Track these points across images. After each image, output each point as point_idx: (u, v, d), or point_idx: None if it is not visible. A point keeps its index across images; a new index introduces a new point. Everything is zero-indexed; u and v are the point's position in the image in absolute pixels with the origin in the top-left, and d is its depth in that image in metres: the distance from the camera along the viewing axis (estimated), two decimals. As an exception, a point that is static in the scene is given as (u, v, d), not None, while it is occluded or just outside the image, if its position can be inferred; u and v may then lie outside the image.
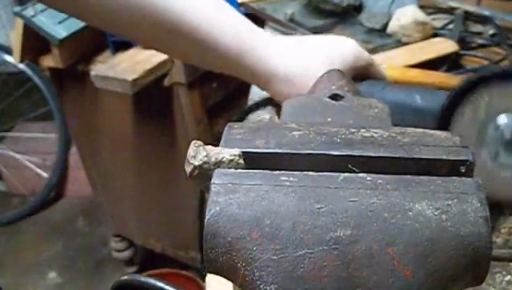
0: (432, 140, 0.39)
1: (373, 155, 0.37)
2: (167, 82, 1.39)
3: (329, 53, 0.62)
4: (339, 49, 0.63)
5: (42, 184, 2.50)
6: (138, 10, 0.59)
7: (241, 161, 0.38)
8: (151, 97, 1.45)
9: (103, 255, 2.23)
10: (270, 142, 0.38)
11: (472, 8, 1.14)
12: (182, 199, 1.67)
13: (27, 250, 2.34)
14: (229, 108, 1.59)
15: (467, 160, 0.37)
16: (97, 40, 1.47)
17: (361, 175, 0.36)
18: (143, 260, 2.10)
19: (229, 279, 0.36)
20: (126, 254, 2.02)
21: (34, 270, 2.23)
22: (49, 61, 1.47)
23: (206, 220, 0.34)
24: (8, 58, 2.37)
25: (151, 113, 1.55)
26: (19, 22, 1.39)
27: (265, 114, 0.89)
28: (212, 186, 0.36)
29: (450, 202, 0.34)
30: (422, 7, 1.10)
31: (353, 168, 0.37)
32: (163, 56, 1.36)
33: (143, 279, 0.49)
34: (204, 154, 0.38)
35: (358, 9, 1.16)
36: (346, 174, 0.36)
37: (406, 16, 1.02)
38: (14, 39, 1.46)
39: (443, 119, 0.57)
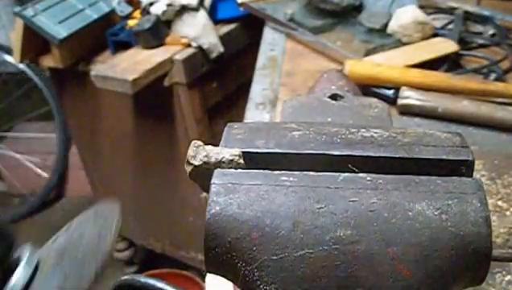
0: (432, 140, 0.39)
1: (373, 155, 0.37)
2: (167, 82, 1.39)
3: None
4: None
5: (42, 184, 2.49)
6: None
7: (241, 161, 0.38)
8: (151, 97, 1.45)
9: (103, 255, 2.23)
10: (270, 142, 0.38)
11: (472, 8, 1.14)
12: (182, 199, 1.66)
13: (27, 250, 2.33)
14: (229, 108, 1.59)
15: (467, 160, 0.37)
16: (97, 40, 1.46)
17: (361, 175, 0.36)
18: (143, 260, 2.10)
19: (229, 279, 0.36)
20: (126, 254, 2.02)
21: (34, 270, 2.23)
22: (49, 61, 1.47)
23: (206, 220, 0.34)
24: (8, 58, 2.37)
25: (151, 113, 1.55)
26: (19, 22, 1.39)
27: (265, 114, 0.89)
28: (212, 186, 0.36)
29: (450, 202, 0.34)
30: (422, 7, 1.10)
31: (353, 168, 0.37)
32: (163, 56, 1.36)
33: (143, 279, 0.49)
34: (204, 154, 0.38)
35: (358, 9, 1.16)
36: (346, 174, 0.36)
37: (406, 16, 1.02)
38: (14, 39, 1.46)
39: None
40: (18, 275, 0.35)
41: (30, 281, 0.34)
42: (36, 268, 0.35)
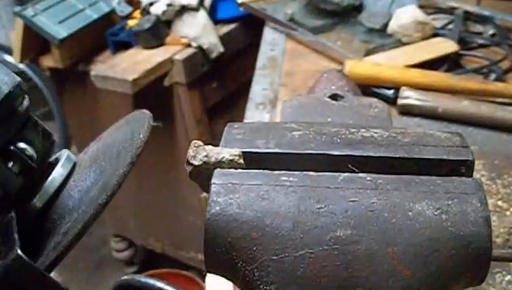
0: (432, 140, 0.39)
1: (373, 155, 0.37)
2: (167, 82, 1.39)
3: None
4: None
5: (42, 184, 2.49)
6: None
7: (241, 161, 0.38)
8: (151, 97, 1.45)
9: (103, 255, 2.23)
10: (270, 143, 0.38)
11: (472, 8, 1.14)
12: (182, 199, 1.66)
13: (27, 250, 2.33)
14: (229, 108, 1.59)
15: (467, 160, 0.37)
16: (97, 40, 1.46)
17: (361, 175, 0.36)
18: (143, 260, 2.10)
19: (229, 279, 0.36)
20: (126, 254, 2.02)
21: (34, 270, 2.22)
22: (49, 61, 1.47)
23: (206, 220, 0.34)
24: (8, 58, 2.37)
25: (151, 113, 1.55)
26: (19, 22, 1.39)
27: (265, 114, 0.89)
28: (212, 186, 0.36)
29: (450, 202, 0.34)
30: (422, 7, 1.10)
31: (353, 168, 0.37)
32: (163, 56, 1.36)
33: (143, 279, 0.49)
34: (204, 154, 0.38)
35: (358, 9, 1.16)
36: (346, 174, 0.36)
37: (406, 16, 1.02)
38: (14, 39, 1.46)
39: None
40: (57, 172, 0.37)
41: (67, 177, 0.37)
42: (73, 167, 0.38)
